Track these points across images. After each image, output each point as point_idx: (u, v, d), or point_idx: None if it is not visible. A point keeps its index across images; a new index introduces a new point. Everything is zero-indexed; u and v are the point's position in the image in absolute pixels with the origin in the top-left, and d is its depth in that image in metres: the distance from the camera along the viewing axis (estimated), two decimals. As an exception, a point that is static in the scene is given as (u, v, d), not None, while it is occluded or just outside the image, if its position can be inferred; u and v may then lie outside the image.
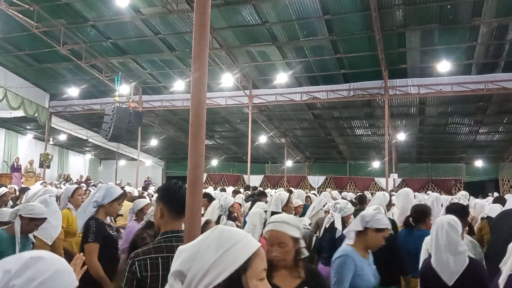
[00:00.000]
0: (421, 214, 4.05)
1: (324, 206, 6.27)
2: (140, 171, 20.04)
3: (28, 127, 22.50)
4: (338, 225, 4.29)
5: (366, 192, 16.53)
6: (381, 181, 21.67)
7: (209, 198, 5.43)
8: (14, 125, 21.78)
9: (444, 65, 13.47)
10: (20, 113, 17.55)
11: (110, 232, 3.29)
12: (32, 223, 3.28)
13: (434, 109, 17.02)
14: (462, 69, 14.17)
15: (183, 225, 2.16)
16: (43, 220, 3.40)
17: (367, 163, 25.09)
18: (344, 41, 13.02)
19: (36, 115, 18.02)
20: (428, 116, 17.86)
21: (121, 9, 11.92)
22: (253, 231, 3.84)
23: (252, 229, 3.89)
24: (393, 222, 4.39)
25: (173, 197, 2.17)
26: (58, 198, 5.01)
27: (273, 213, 4.16)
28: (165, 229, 2.13)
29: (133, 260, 1.98)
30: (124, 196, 3.61)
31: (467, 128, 18.81)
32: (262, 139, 21.63)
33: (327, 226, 4.44)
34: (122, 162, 27.03)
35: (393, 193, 10.12)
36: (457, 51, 13.06)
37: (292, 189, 10.99)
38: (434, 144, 21.58)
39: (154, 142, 24.42)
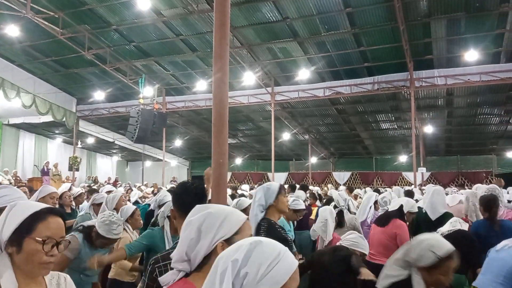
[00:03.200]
0: (489, 203, 4.02)
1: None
2: (166, 172, 20.28)
3: (56, 132, 23.12)
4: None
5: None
6: (409, 175, 21.26)
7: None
8: (43, 130, 22.44)
9: (471, 54, 13.06)
10: (48, 118, 18.01)
11: (284, 234, 2.95)
12: None
13: (463, 100, 16.56)
14: (491, 57, 13.72)
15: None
16: None
17: (394, 158, 24.70)
18: (367, 33, 12.78)
19: (64, 119, 18.47)
20: (456, 107, 17.39)
21: (142, 12, 12.05)
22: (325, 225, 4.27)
23: (323, 223, 4.30)
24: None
25: (179, 198, 2.13)
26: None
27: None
28: None
29: (153, 266, 1.87)
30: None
31: (497, 119, 18.24)
32: (286, 136, 21.55)
33: None
34: (148, 163, 27.47)
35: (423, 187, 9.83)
36: (485, 39, 12.62)
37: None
38: (463, 136, 21.04)
39: (178, 143, 24.70)
